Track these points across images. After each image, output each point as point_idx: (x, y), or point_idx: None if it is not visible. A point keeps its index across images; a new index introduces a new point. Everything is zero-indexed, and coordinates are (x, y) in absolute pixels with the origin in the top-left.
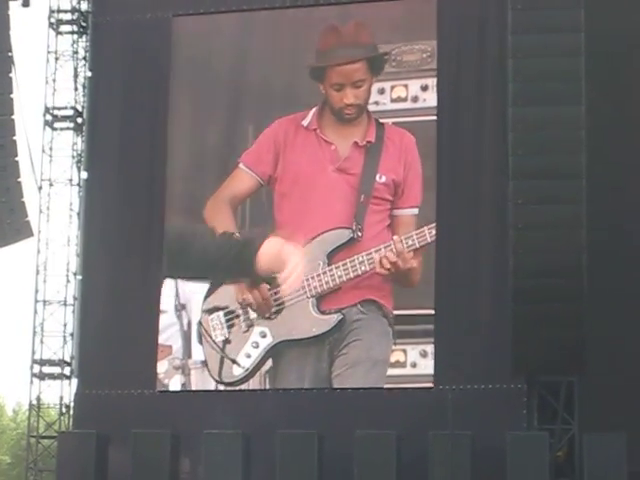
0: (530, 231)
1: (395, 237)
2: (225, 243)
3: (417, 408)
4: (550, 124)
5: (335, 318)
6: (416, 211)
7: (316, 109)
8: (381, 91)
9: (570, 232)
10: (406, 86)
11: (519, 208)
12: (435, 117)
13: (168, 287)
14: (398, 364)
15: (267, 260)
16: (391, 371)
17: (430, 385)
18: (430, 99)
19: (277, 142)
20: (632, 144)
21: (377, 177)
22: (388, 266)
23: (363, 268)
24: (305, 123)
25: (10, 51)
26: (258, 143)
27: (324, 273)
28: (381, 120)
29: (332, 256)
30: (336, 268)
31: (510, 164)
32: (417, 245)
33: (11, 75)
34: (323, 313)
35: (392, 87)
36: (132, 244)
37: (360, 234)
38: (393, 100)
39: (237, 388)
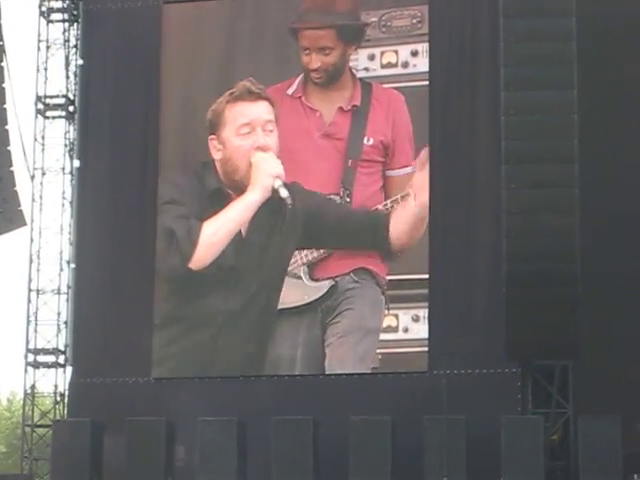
0: (523, 215)
1: (380, 206)
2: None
3: (412, 393)
4: (542, 108)
5: (327, 284)
6: (409, 170)
7: (301, 77)
8: (371, 57)
9: (563, 216)
10: (396, 52)
11: (512, 192)
12: (426, 82)
13: None
14: (390, 329)
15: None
16: (383, 336)
17: (424, 349)
18: (420, 64)
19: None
20: (624, 128)
21: (365, 140)
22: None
23: None
24: (290, 92)
25: (1, 40)
26: None
27: None
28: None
29: None
30: None
31: (503, 149)
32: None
33: (2, 64)
34: (315, 281)
35: (382, 53)
36: (125, 232)
37: (349, 199)
38: (383, 66)
39: (232, 375)
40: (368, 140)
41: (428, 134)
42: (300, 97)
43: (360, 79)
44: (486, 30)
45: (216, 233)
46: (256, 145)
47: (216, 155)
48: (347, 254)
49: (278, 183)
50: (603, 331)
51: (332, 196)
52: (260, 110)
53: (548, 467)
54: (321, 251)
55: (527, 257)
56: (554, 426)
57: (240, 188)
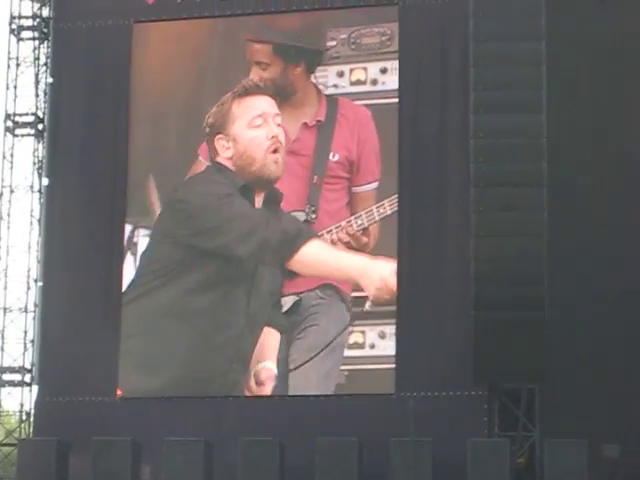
0: (491, 239)
1: (343, 222)
2: None
3: (378, 415)
4: (511, 132)
5: (291, 300)
6: (375, 185)
7: None
8: (340, 74)
9: (531, 240)
10: (365, 69)
11: (480, 215)
12: (395, 100)
13: None
14: (357, 345)
15: None
16: (350, 352)
17: (391, 367)
18: (389, 82)
19: (204, 128)
20: (593, 151)
21: (330, 156)
22: (342, 247)
23: None
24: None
25: None
26: None
27: None
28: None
29: None
30: None
31: (471, 171)
32: (366, 224)
33: None
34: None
35: (351, 70)
36: (93, 251)
37: (314, 215)
38: (352, 83)
39: (198, 395)
40: (333, 156)
41: (397, 153)
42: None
43: (326, 95)
44: (456, 52)
45: None
46: (270, 135)
47: (226, 153)
48: None
49: None
50: (570, 355)
51: (297, 213)
52: (268, 103)
53: None
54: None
55: (495, 280)
56: (520, 449)
57: (258, 179)
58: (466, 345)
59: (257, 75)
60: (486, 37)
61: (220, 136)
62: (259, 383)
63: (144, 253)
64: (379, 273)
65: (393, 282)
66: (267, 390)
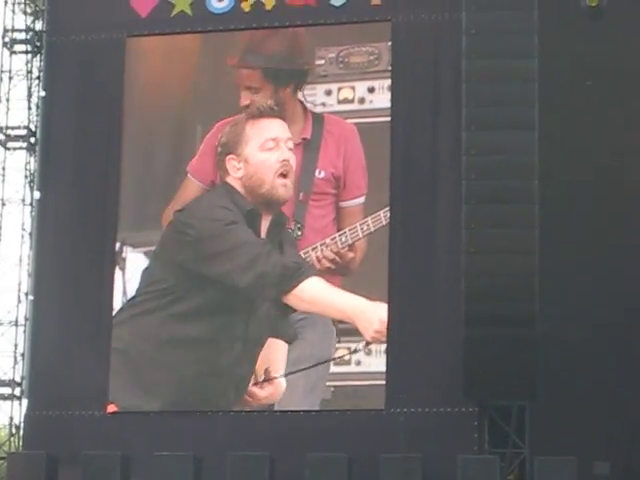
0: (482, 255)
1: (328, 240)
2: None
3: (369, 430)
4: (503, 149)
5: None
6: (362, 200)
7: None
8: (328, 92)
9: (523, 257)
10: (353, 88)
11: (472, 232)
12: (383, 119)
13: None
14: (342, 362)
15: None
16: (336, 369)
17: (378, 383)
18: (377, 100)
19: (216, 147)
20: (585, 169)
21: (316, 173)
22: (327, 264)
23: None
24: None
25: None
26: (201, 150)
27: None
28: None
29: None
30: None
31: (463, 188)
32: (350, 241)
33: None
34: None
35: (339, 89)
36: (84, 265)
37: (300, 233)
38: (340, 102)
39: (193, 407)
40: (320, 173)
41: (389, 169)
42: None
43: (312, 112)
44: (448, 68)
45: None
46: (281, 158)
47: (236, 174)
48: None
49: None
50: (561, 372)
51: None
52: (281, 127)
53: None
54: None
55: (486, 297)
56: (510, 466)
57: (266, 202)
58: (457, 361)
59: (248, 99)
60: (478, 54)
61: (232, 156)
62: (264, 380)
63: (145, 270)
64: (378, 316)
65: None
66: (264, 393)
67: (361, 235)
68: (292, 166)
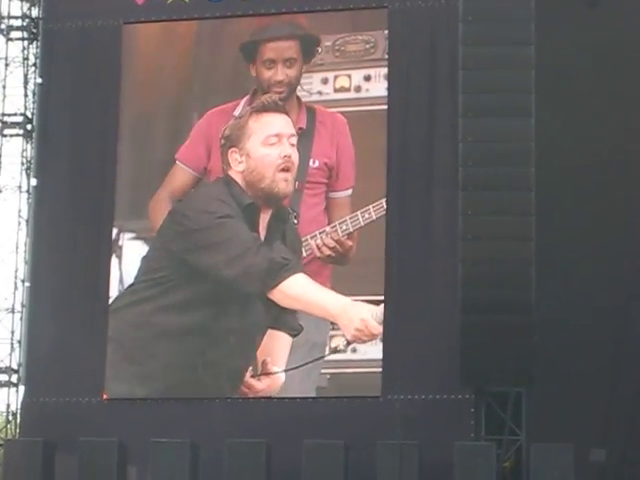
0: (479, 242)
1: (328, 228)
2: None
3: (365, 417)
4: (500, 136)
5: None
6: (349, 192)
7: (247, 99)
8: (324, 81)
9: (519, 244)
10: (349, 76)
11: (468, 219)
12: (379, 107)
13: None
14: (338, 350)
15: None
16: (331, 356)
17: (373, 370)
18: (373, 89)
19: (209, 134)
20: (582, 156)
21: (310, 162)
22: (328, 252)
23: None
24: (237, 114)
25: None
26: (191, 137)
27: None
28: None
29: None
30: None
31: (460, 175)
32: (351, 229)
33: None
34: None
35: (335, 77)
36: (81, 252)
37: (296, 221)
38: (336, 90)
39: (185, 396)
40: (314, 162)
41: (385, 156)
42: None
43: (304, 103)
44: (445, 56)
45: None
46: (283, 154)
47: (238, 167)
48: None
49: None
50: (558, 359)
51: None
52: (285, 123)
53: None
54: None
55: (483, 284)
56: (507, 453)
57: (266, 196)
58: (453, 348)
59: (284, 74)
60: (475, 41)
61: (234, 149)
62: (262, 374)
63: (144, 258)
64: (359, 314)
65: (373, 325)
66: (262, 386)
67: (362, 223)
68: (294, 162)
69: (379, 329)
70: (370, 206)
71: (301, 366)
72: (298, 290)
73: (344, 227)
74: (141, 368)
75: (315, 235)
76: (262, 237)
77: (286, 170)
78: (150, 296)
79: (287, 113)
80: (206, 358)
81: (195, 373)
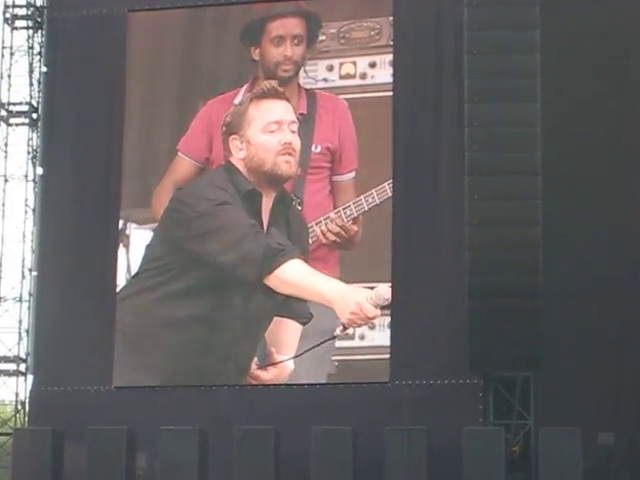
0: (486, 227)
1: (332, 214)
2: None
3: (373, 403)
4: (506, 121)
5: None
6: (353, 175)
7: (246, 87)
8: (330, 68)
9: (526, 228)
10: (354, 63)
11: (475, 204)
12: (384, 93)
13: None
14: (346, 336)
15: None
16: (340, 343)
17: (382, 357)
18: (378, 75)
19: (210, 124)
20: (588, 140)
21: (313, 147)
22: (333, 238)
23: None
24: (236, 102)
25: None
26: (192, 127)
27: None
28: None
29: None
30: None
31: (466, 160)
32: (355, 214)
33: None
34: None
35: (341, 64)
36: (88, 240)
37: (300, 207)
38: (342, 77)
39: (193, 384)
40: (316, 147)
41: (391, 145)
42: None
43: (304, 88)
44: (450, 40)
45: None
46: (283, 141)
47: (239, 154)
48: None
49: None
50: (565, 343)
51: None
52: (285, 109)
53: (509, 478)
54: None
55: (490, 269)
56: (515, 437)
57: (269, 179)
58: (461, 333)
59: (291, 51)
60: (480, 25)
61: (235, 136)
62: (268, 364)
63: (147, 247)
64: (355, 299)
65: (368, 308)
66: (269, 376)
67: (366, 207)
68: (295, 149)
69: (375, 312)
70: (373, 190)
71: (302, 353)
72: (294, 276)
73: (348, 212)
74: (147, 356)
75: (320, 221)
76: (265, 223)
77: (288, 154)
78: (153, 285)
79: (287, 99)
80: (210, 345)
81: (199, 360)
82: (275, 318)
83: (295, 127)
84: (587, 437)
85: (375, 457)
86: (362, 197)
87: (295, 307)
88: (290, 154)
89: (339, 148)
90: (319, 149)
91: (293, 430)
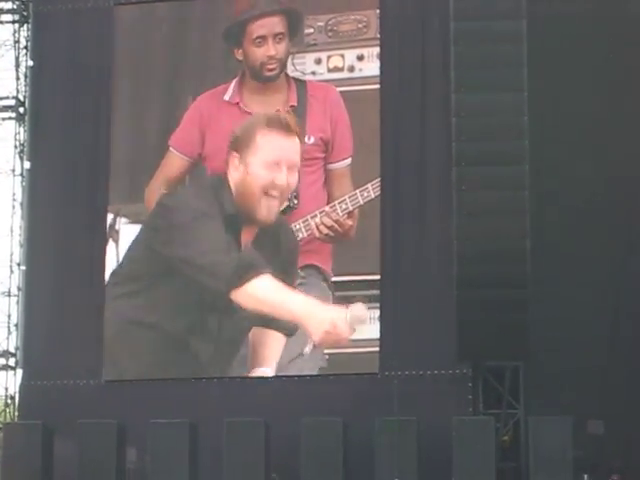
0: (473, 217)
1: (327, 207)
2: None
3: (363, 394)
4: (493, 110)
5: None
6: (349, 161)
7: (236, 81)
8: (318, 61)
9: (514, 218)
10: (342, 56)
11: (462, 194)
12: (372, 86)
13: None
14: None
15: None
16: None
17: (372, 350)
18: (366, 68)
19: (202, 120)
20: (575, 130)
21: (306, 139)
22: (326, 231)
23: (301, 235)
24: (227, 97)
25: None
26: (183, 123)
27: None
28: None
29: None
30: None
31: (453, 150)
32: (350, 208)
33: None
34: None
35: (328, 57)
36: (76, 235)
37: (296, 201)
38: (330, 70)
39: (183, 377)
40: (309, 139)
41: (379, 138)
42: (238, 103)
43: (294, 79)
44: (436, 33)
45: None
46: (278, 182)
47: (234, 174)
48: None
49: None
50: (554, 332)
51: None
52: (291, 148)
53: (499, 468)
54: None
55: (478, 259)
56: (505, 427)
57: (249, 216)
58: (450, 324)
59: (274, 50)
60: (467, 16)
61: (236, 155)
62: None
63: (129, 248)
64: (330, 318)
65: (343, 329)
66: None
67: (362, 202)
68: (285, 192)
69: (349, 333)
70: (369, 184)
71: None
72: (264, 291)
73: (344, 206)
74: (130, 350)
75: (315, 215)
76: (244, 243)
77: (273, 197)
78: (135, 290)
79: (299, 136)
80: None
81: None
82: (257, 329)
83: (296, 169)
84: (577, 426)
85: (365, 448)
86: (357, 191)
87: (277, 320)
88: (276, 198)
89: (332, 137)
90: (312, 140)
91: (283, 422)
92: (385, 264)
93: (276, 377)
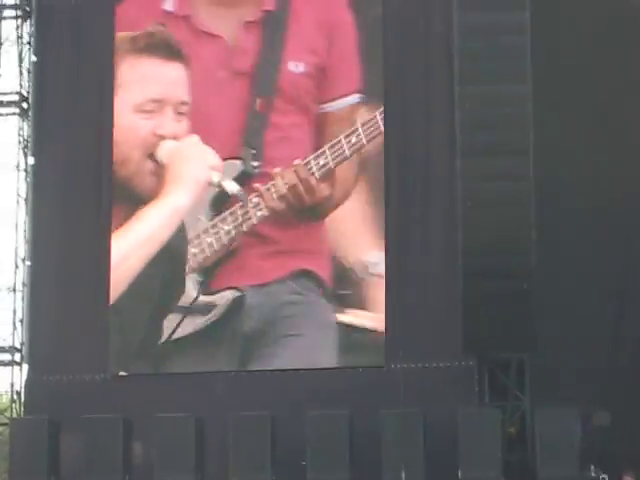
0: (479, 208)
1: (297, 161)
2: None
3: (368, 387)
4: (497, 101)
5: (225, 298)
6: (357, 98)
7: None
8: None
9: (518, 209)
10: None
11: (467, 185)
12: None
13: None
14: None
15: None
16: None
17: (379, 343)
18: None
19: None
20: (579, 120)
21: (290, 65)
22: (282, 193)
23: (259, 213)
24: (169, 8)
25: None
26: None
27: (206, 232)
28: None
29: (219, 205)
30: (222, 221)
31: (458, 142)
32: (331, 164)
33: None
34: (214, 293)
35: None
36: (81, 229)
37: (257, 163)
38: None
39: (188, 371)
40: (296, 66)
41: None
42: (188, 16)
43: None
44: (439, 23)
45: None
46: (159, 132)
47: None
48: (280, 250)
49: (217, 176)
50: (559, 323)
51: (232, 161)
52: (175, 79)
53: (505, 459)
54: (215, 246)
55: (483, 250)
56: (511, 418)
57: (127, 192)
58: (455, 316)
59: None
60: (470, 7)
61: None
62: None
63: None
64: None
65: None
66: None
67: (348, 153)
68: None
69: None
70: (359, 124)
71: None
72: None
73: (321, 161)
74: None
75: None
76: None
77: (156, 159)
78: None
79: (183, 59)
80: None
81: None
82: None
83: (186, 109)
84: (583, 417)
85: (371, 441)
86: (342, 137)
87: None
88: (159, 159)
89: (329, 60)
90: (301, 68)
91: (289, 415)
92: (389, 255)
93: (281, 370)
